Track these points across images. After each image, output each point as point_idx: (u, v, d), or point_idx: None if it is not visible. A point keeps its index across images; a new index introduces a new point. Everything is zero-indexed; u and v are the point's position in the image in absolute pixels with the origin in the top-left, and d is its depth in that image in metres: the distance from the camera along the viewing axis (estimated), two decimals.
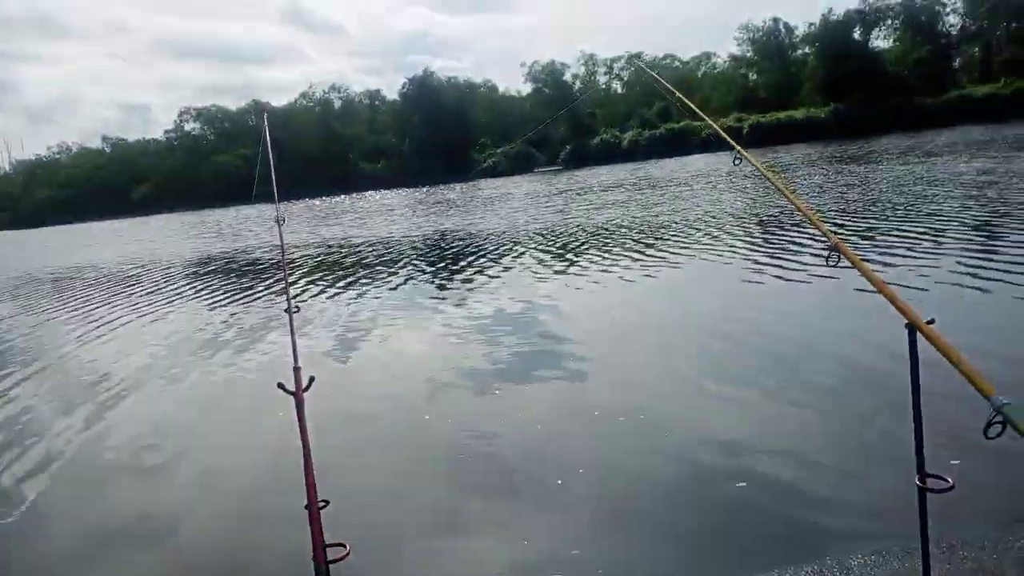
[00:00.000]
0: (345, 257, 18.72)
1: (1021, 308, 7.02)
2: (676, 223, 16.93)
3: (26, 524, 4.79)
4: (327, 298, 12.55)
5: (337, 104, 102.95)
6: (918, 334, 1.86)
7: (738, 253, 12.00)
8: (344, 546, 2.21)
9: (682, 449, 4.78)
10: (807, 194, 19.85)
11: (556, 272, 12.64)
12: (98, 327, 12.14)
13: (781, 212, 16.31)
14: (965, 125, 49.08)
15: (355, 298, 12.28)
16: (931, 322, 1.85)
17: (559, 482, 4.48)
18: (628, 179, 39.42)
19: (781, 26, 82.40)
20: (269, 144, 4.00)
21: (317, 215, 41.98)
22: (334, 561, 2.18)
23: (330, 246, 22.22)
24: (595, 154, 74.81)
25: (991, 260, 9.16)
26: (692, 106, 3.96)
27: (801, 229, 13.31)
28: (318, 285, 14.07)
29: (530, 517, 4.19)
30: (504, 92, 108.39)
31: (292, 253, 21.04)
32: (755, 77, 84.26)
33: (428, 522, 4.27)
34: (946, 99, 62.00)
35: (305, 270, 16.77)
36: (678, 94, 4.11)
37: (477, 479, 4.76)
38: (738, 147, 3.27)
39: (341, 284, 13.89)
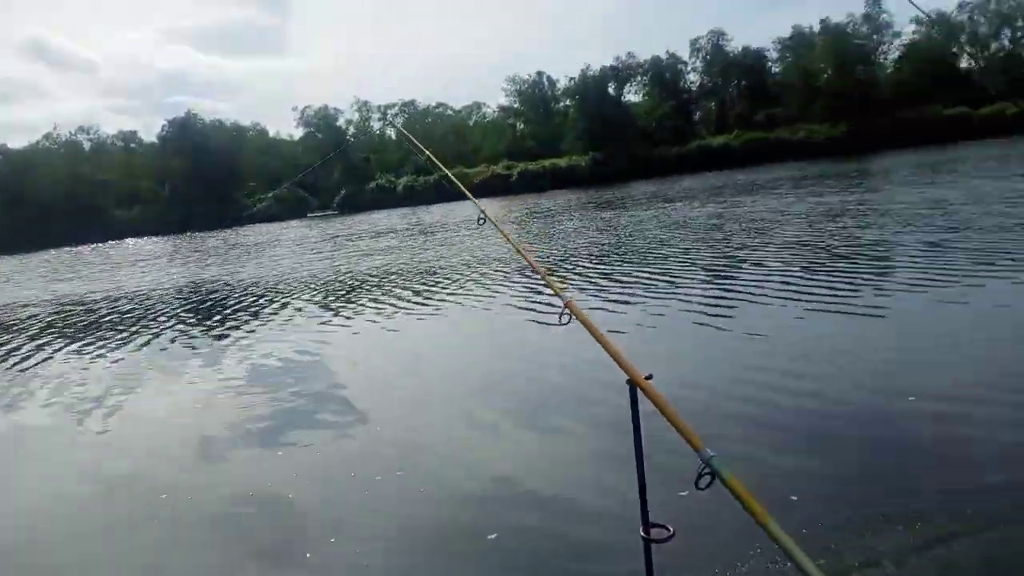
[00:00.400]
0: (80, 316, 16.70)
1: (735, 356, 7.39)
2: (439, 270, 16.92)
3: None
4: (64, 362, 11.13)
5: (87, 146, 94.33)
6: (639, 390, 1.89)
7: (494, 302, 12.08)
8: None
9: (436, 501, 4.84)
10: (562, 239, 20.74)
11: (317, 321, 12.26)
12: None
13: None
14: (704, 172, 54.59)
15: (91, 361, 10.99)
16: (649, 377, 1.90)
17: (332, 540, 4.42)
18: (399, 224, 39.42)
19: (545, 79, 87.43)
20: None
21: (57, 267, 37.73)
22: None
23: (63, 304, 19.82)
24: (371, 199, 74.44)
25: (712, 307, 9.75)
26: (441, 166, 4.16)
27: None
28: (47, 350, 12.45)
29: None
30: (275, 136, 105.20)
31: (18, 313, 18.57)
32: (523, 127, 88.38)
33: None
34: (688, 149, 68.65)
35: (30, 333, 14.77)
36: (428, 153, 4.37)
37: (245, 546, 4.56)
38: (482, 210, 3.43)
39: (73, 347, 12.37)
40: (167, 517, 5.06)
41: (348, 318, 12.19)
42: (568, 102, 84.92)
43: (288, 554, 4.36)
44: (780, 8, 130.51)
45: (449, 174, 4.18)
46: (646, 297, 10.78)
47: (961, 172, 26.68)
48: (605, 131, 72.52)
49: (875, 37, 73.19)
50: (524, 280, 13.86)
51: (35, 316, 17.62)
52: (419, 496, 4.89)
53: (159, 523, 4.99)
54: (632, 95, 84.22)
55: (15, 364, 11.52)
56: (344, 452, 5.93)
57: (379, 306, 12.93)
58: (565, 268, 14.71)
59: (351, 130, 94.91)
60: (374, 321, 11.68)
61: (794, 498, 4.22)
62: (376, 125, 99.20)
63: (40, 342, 13.33)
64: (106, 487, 5.81)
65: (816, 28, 75.52)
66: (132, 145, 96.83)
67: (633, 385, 1.93)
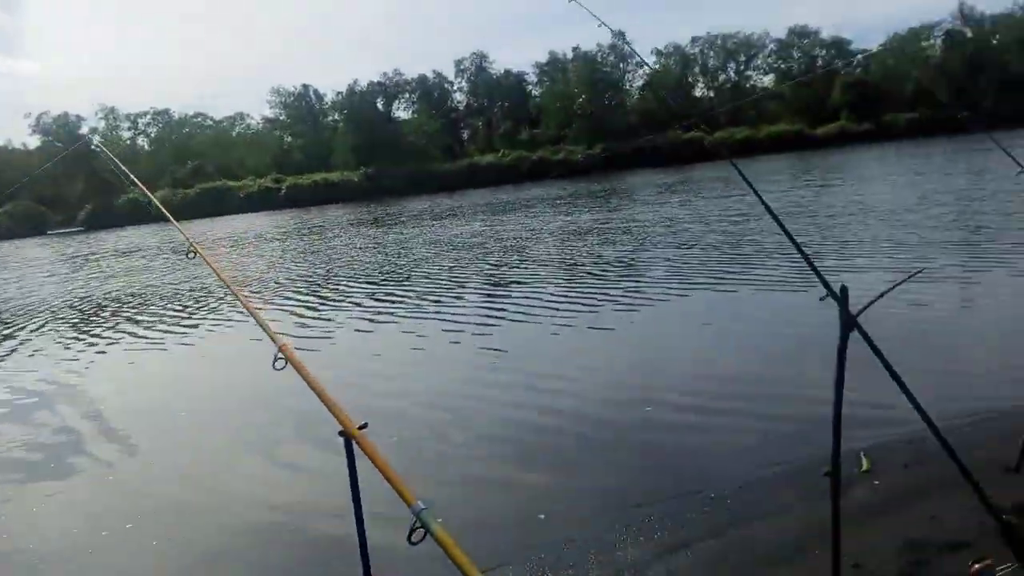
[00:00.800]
0: None
1: (473, 380, 7.40)
2: (161, 299, 16.12)
3: None
4: None
5: None
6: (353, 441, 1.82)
7: (213, 339, 11.38)
8: None
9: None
10: (336, 256, 20.55)
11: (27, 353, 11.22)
12: None
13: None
14: (474, 189, 56.32)
15: None
16: (364, 427, 1.83)
17: None
18: (151, 242, 36.77)
19: (311, 92, 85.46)
20: None
21: None
22: None
23: None
24: (123, 215, 68.61)
25: (456, 331, 9.73)
26: (145, 190, 3.86)
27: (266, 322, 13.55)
28: None
29: None
30: (5, 145, 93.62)
31: None
32: (290, 140, 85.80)
33: None
34: (458, 166, 70.28)
35: None
36: (132, 177, 3.90)
37: None
38: (192, 243, 3.14)
39: None
40: None
41: (66, 346, 11.48)
42: (337, 116, 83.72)
43: None
44: (535, 33, 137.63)
45: (154, 199, 3.75)
46: (393, 320, 11.02)
47: (693, 192, 29.93)
48: (376, 147, 72.28)
49: (621, 66, 79.66)
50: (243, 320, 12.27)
51: None
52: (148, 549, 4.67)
53: None
54: (401, 111, 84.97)
55: None
56: (87, 506, 5.46)
57: (92, 338, 12.15)
58: (312, 292, 14.51)
59: (97, 138, 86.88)
60: (101, 350, 11.11)
61: (542, 516, 4.44)
62: (126, 135, 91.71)
63: None
64: None
65: (569, 55, 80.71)
66: None
67: (347, 437, 1.87)
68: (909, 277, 2.95)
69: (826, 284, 2.35)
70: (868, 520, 3.88)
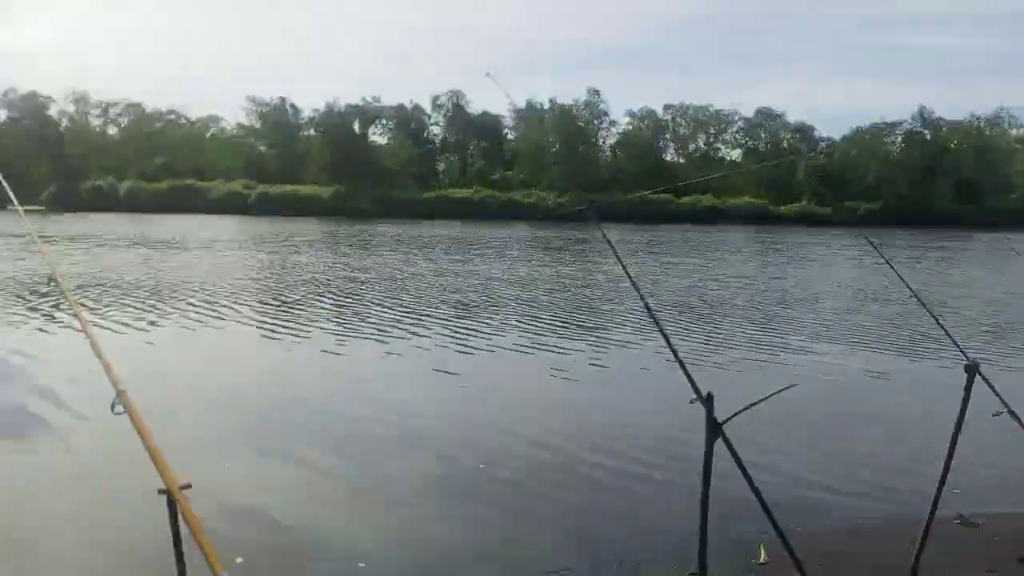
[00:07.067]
0: None
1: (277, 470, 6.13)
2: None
3: None
4: None
5: None
6: (176, 500, 1.79)
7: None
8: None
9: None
10: (305, 272, 20.85)
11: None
12: None
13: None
14: (444, 220, 57.03)
15: None
16: (187, 487, 1.80)
17: None
18: (124, 231, 36.35)
19: (288, 106, 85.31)
20: None
21: None
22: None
23: None
24: (88, 200, 67.46)
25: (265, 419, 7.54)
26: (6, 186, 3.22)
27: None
28: None
29: None
30: None
31: None
32: (264, 149, 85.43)
33: None
34: (432, 196, 70.79)
35: None
36: None
37: None
38: (53, 274, 2.51)
39: None
40: None
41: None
42: (313, 132, 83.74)
43: None
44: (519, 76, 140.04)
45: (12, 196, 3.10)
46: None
47: (661, 251, 31.01)
48: (349, 167, 72.65)
49: (596, 122, 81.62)
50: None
51: None
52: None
53: None
54: (377, 136, 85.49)
55: None
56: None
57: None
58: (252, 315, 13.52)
59: (64, 123, 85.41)
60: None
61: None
62: (96, 121, 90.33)
63: None
64: None
65: (547, 104, 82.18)
66: None
67: (170, 496, 1.81)
68: (780, 391, 2.93)
69: (696, 388, 2.47)
70: None
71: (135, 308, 13.31)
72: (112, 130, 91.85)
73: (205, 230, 39.77)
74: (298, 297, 15.37)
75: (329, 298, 15.52)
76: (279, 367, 9.75)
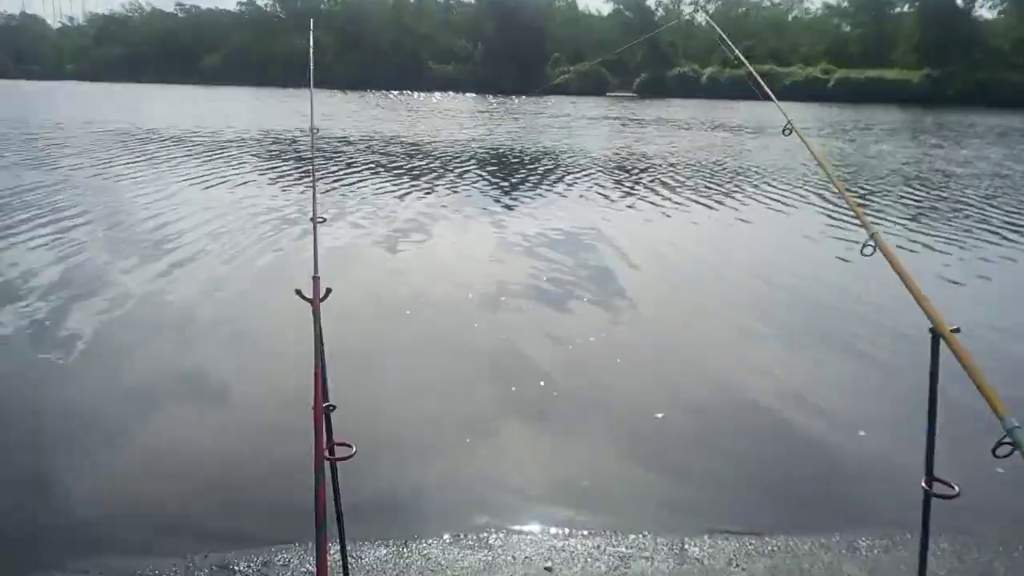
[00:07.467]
0: (395, 160, 18.12)
1: None
2: (730, 174, 16.58)
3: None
4: (362, 200, 12.28)
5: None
6: (942, 341, 1.79)
7: (786, 219, 11.72)
8: (350, 446, 2.05)
9: (714, 388, 5.05)
10: (871, 170, 19.18)
11: (613, 201, 12.62)
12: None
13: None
14: None
15: (398, 200, 12.27)
16: (956, 331, 1.78)
17: (587, 410, 4.67)
18: (700, 118, 38.35)
19: None
20: (312, 43, 4.24)
21: (383, 109, 41.57)
22: (339, 459, 2.03)
23: (386, 142, 22.01)
24: (671, 86, 72.73)
25: None
26: (746, 62, 3.66)
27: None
28: (354, 189, 13.48)
29: (548, 440, 4.33)
30: (584, 10, 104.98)
31: (343, 148, 20.92)
32: (848, 29, 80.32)
33: (448, 431, 4.37)
34: None
35: (352, 169, 16.17)
36: (730, 44, 3.82)
37: (501, 394, 4.86)
38: (789, 119, 3.12)
39: (384, 187, 13.64)
40: (445, 351, 5.61)
41: (630, 205, 12.40)
42: (906, 7, 75.40)
43: (537, 412, 4.63)
44: None
45: (754, 72, 3.64)
46: (965, 249, 9.70)
47: None
48: (946, 46, 63.85)
49: None
50: (823, 204, 12.90)
51: (358, 151, 19.82)
52: (687, 381, 5.15)
53: (438, 357, 5.47)
54: (985, 10, 72.96)
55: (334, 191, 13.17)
56: (603, 334, 6.03)
57: (664, 199, 12.95)
58: (871, 201, 13.42)
59: (660, 11, 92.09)
60: (656, 213, 11.80)
61: None
62: (686, 10, 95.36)
63: (352, 180, 15.06)
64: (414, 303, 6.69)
65: None
66: (451, 2, 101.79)
67: (936, 335, 1.81)
68: None
69: None
70: None
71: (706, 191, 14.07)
72: (699, 17, 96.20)
73: (778, 115, 39.43)
74: (876, 190, 14.28)
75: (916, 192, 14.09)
76: None
